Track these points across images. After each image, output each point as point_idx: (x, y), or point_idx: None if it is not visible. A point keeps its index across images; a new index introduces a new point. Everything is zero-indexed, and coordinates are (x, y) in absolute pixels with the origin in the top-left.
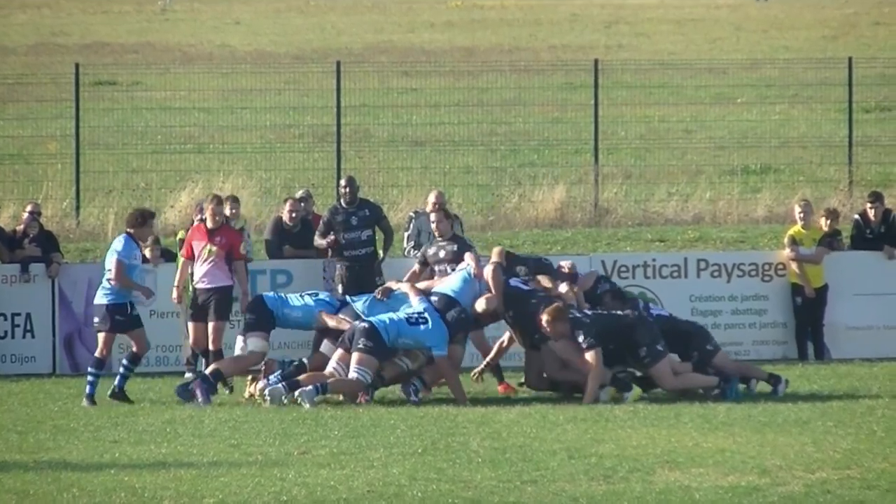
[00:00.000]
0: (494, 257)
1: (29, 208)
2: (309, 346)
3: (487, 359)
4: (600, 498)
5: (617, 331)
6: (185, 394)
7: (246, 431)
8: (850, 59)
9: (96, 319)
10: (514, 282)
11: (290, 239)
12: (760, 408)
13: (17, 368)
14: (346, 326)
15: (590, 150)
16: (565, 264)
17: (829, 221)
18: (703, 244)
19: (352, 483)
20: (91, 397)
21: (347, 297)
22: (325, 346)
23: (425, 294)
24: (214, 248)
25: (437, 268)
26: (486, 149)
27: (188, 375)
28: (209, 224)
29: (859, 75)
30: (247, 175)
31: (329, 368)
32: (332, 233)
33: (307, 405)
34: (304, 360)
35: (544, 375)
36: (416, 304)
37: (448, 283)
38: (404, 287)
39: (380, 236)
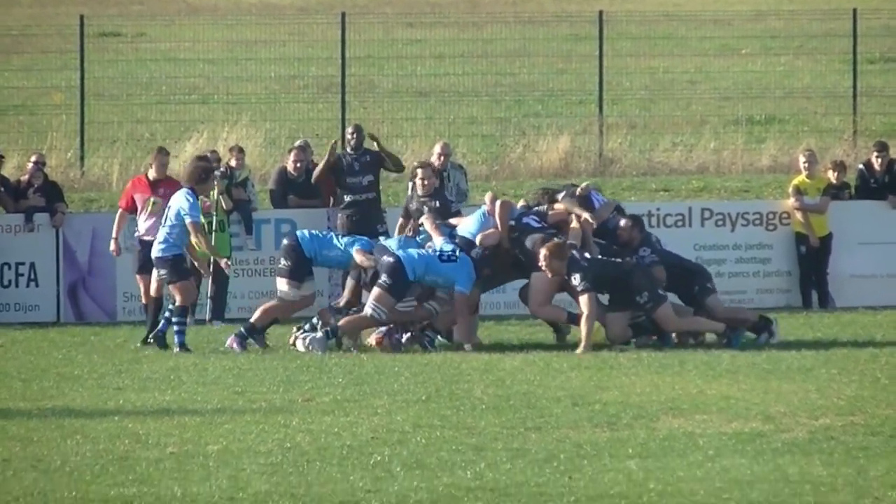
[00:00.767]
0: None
1: (33, 158)
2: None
3: None
4: (604, 445)
5: (614, 277)
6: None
7: (250, 379)
8: (854, 10)
9: (163, 272)
10: (526, 219)
11: (295, 189)
12: (764, 355)
13: (22, 317)
14: (378, 265)
15: (594, 101)
16: (582, 187)
17: (836, 174)
18: (708, 194)
19: (355, 430)
20: (183, 345)
21: (381, 239)
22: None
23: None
24: (158, 200)
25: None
26: (491, 99)
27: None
28: (152, 175)
29: (864, 26)
30: (251, 126)
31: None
32: (334, 176)
33: (319, 352)
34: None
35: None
36: (443, 245)
37: (465, 226)
38: (428, 226)
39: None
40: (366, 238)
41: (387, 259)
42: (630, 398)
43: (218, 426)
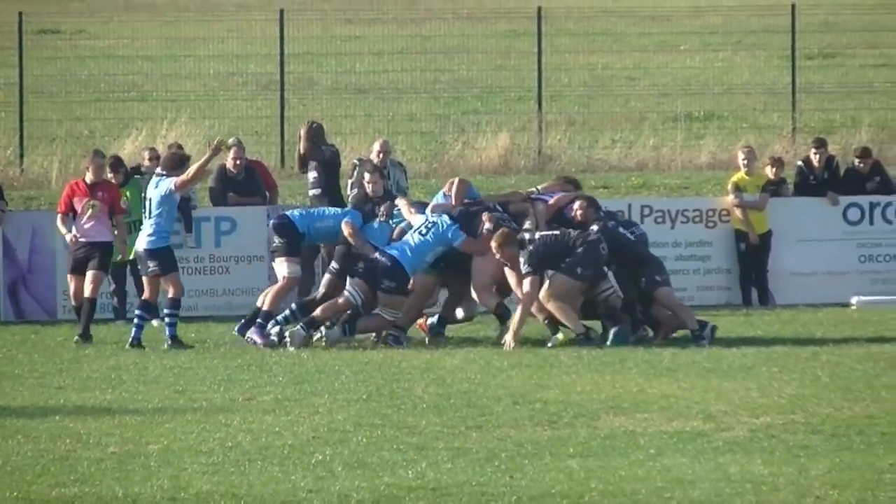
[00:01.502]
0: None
1: None
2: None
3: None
4: (545, 443)
5: (560, 249)
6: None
7: (190, 378)
8: (793, 6)
9: (153, 264)
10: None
11: (234, 186)
12: (705, 353)
13: None
14: (362, 247)
15: (533, 98)
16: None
17: (774, 169)
18: (647, 191)
19: (296, 429)
20: (174, 338)
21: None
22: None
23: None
24: (97, 203)
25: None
26: (430, 96)
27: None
28: (89, 178)
29: (802, 22)
30: (191, 123)
31: (345, 295)
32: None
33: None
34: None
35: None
36: (415, 219)
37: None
38: (401, 204)
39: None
40: (356, 211)
41: (384, 262)
42: (571, 397)
43: (159, 425)
